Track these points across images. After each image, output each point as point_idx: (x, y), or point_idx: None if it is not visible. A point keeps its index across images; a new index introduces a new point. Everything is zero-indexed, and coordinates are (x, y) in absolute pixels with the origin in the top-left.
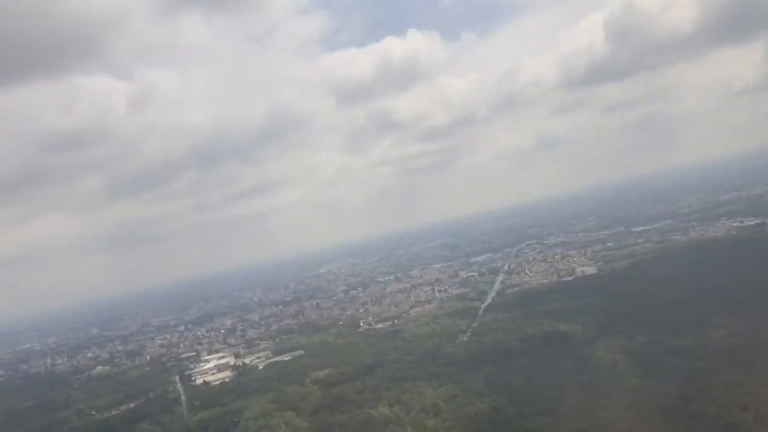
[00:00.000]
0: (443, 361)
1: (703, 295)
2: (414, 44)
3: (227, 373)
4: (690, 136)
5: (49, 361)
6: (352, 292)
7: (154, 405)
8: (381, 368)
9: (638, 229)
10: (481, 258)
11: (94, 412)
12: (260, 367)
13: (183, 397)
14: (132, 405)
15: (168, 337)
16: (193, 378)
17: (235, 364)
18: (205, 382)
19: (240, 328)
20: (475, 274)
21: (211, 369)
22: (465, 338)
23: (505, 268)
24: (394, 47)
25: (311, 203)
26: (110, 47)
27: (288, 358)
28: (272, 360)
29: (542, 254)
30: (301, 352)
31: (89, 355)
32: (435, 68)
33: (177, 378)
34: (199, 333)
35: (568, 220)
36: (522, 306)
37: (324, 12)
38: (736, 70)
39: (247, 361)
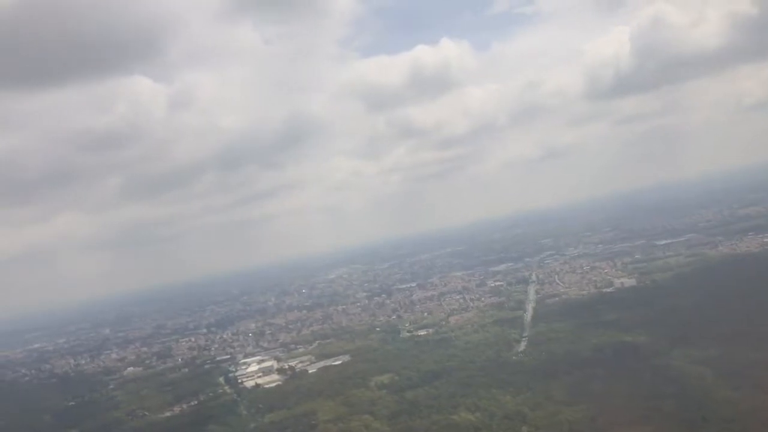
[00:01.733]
0: (511, 369)
1: (763, 308)
2: (445, 53)
3: (275, 377)
4: (695, 149)
5: (72, 361)
6: (375, 298)
7: (211, 407)
8: (447, 375)
9: (662, 242)
10: (501, 267)
11: (146, 413)
12: (311, 371)
13: (239, 400)
14: (184, 406)
15: (193, 339)
16: (240, 381)
17: (280, 367)
18: (257, 385)
19: (268, 331)
20: (503, 283)
21: (255, 372)
22: (522, 347)
23: (533, 277)
24: (426, 55)
25: (315, 208)
26: (158, 51)
27: (338, 363)
28: (321, 364)
29: (567, 265)
30: (348, 357)
31: (113, 356)
32: (463, 77)
33: (222, 380)
34: (224, 336)
35: (581, 231)
36: (571, 316)
37: (365, 19)
38: (748, 85)
39: (291, 364)
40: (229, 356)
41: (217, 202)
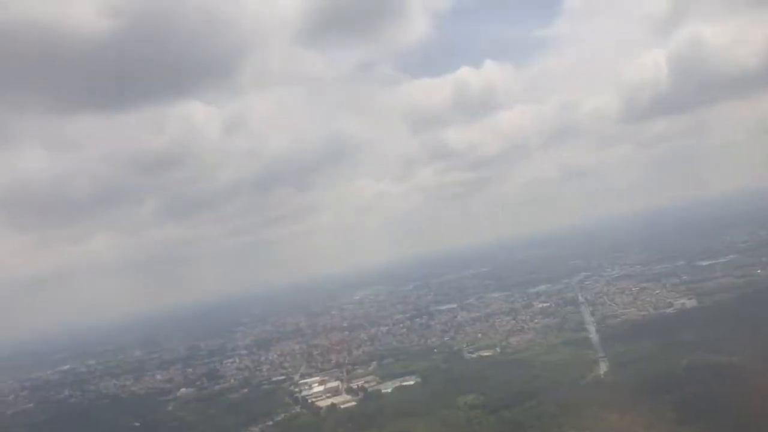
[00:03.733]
0: (606, 388)
1: None
2: (487, 75)
3: (347, 397)
4: (715, 170)
5: (115, 382)
6: (416, 319)
7: (292, 427)
8: (538, 395)
9: (705, 263)
10: (540, 288)
11: None
12: (384, 391)
13: (319, 420)
14: (262, 426)
15: (238, 360)
16: (309, 401)
17: (348, 387)
18: (333, 405)
19: (316, 352)
20: (549, 304)
21: (322, 392)
22: (606, 368)
23: (581, 299)
24: (469, 77)
25: (335, 228)
26: (227, 77)
27: (411, 383)
28: (390, 384)
29: (613, 286)
30: (416, 377)
31: (158, 377)
32: (503, 100)
33: (289, 401)
34: (270, 357)
35: (610, 252)
36: (644, 337)
37: (422, 41)
38: None
39: (359, 384)
40: (284, 377)
41: (245, 223)
